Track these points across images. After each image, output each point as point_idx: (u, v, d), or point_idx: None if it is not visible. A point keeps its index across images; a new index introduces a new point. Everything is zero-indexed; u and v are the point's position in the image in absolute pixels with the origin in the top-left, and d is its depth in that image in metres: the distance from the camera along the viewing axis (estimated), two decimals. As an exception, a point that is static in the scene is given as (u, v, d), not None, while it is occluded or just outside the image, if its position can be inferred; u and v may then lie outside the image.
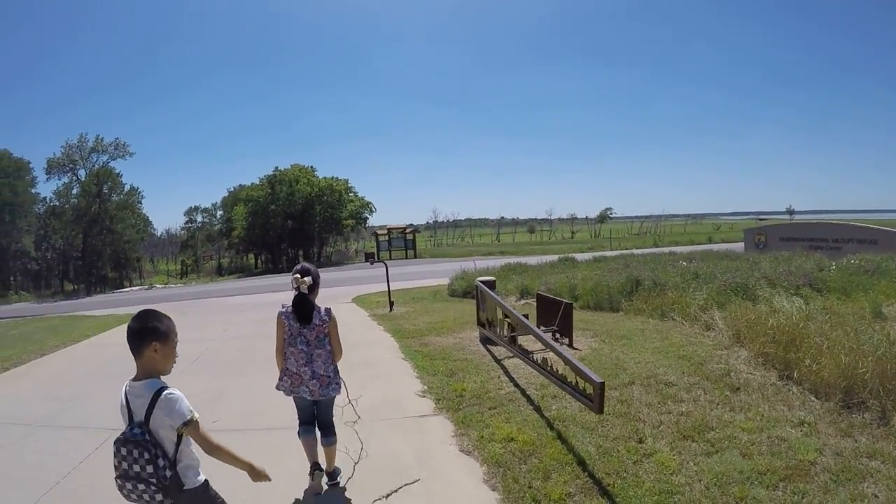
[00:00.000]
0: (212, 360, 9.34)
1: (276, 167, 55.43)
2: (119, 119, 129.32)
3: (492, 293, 8.62)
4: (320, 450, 4.28)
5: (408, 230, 52.12)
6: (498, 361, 7.70)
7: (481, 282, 9.21)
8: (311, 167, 56.42)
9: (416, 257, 48.65)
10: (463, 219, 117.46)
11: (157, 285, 48.51)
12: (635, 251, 28.54)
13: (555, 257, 23.39)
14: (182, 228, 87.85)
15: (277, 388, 4.18)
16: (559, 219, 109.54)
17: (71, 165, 51.06)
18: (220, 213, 79.59)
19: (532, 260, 24.47)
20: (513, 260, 26.62)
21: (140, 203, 58.20)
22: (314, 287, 4.07)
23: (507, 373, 7.12)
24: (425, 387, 6.85)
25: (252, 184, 59.16)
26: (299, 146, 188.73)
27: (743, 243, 28.95)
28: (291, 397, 4.21)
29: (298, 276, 3.99)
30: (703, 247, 34.29)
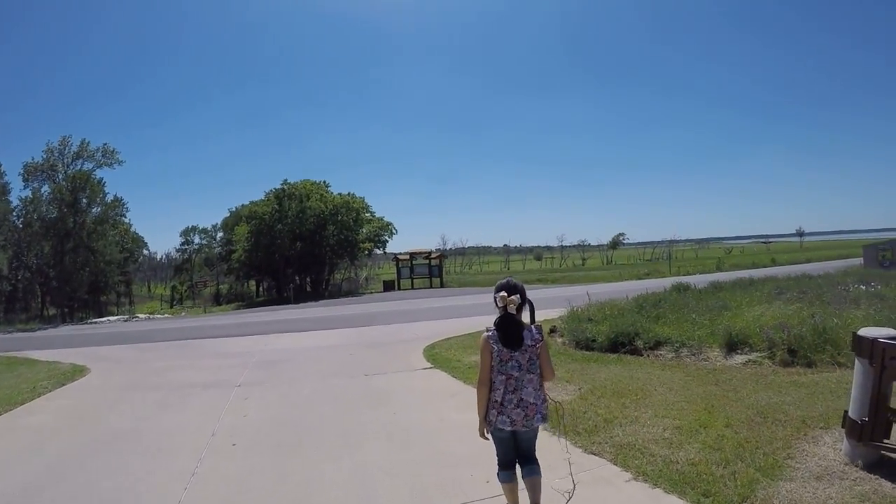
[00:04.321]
0: None
1: (285, 180, 47.95)
2: (117, 138, 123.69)
3: None
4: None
5: (433, 255, 45.44)
6: None
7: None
8: (325, 182, 49.21)
9: (441, 286, 41.89)
10: (467, 246, 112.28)
11: (140, 315, 41.58)
12: (700, 276, 26.99)
13: (635, 284, 19.32)
14: (177, 250, 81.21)
15: (484, 432, 3.72)
16: (563, 246, 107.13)
17: (51, 171, 44.03)
18: (220, 234, 72.98)
19: (598, 289, 20.34)
20: (592, 288, 20.55)
21: (124, 216, 51.35)
22: (521, 305, 3.66)
23: None
24: None
25: (253, 201, 52.26)
26: (302, 172, 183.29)
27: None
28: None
29: (504, 293, 3.60)
30: (780, 269, 29.73)
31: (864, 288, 12.39)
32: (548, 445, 5.23)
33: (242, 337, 16.11)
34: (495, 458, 3.80)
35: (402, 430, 6.11)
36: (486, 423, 3.66)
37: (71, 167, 45.20)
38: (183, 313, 44.05)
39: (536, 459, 3.81)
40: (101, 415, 7.47)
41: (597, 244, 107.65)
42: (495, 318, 3.68)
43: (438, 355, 10.75)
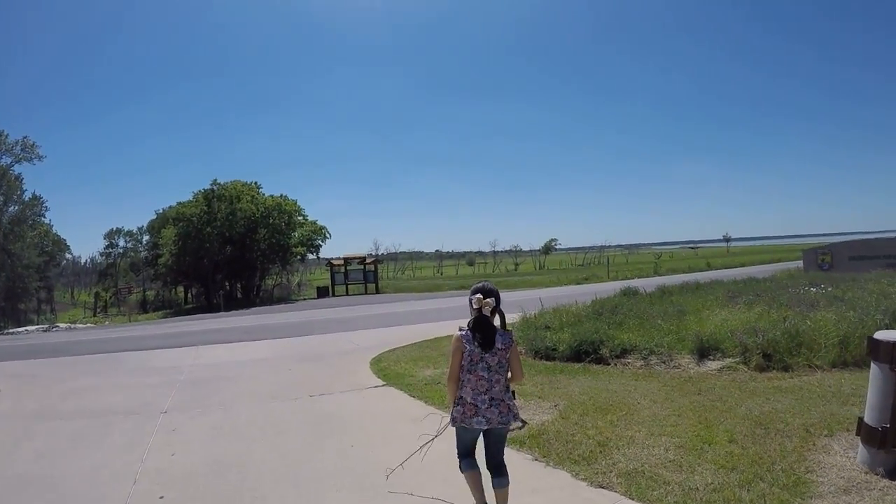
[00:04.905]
0: None
1: (215, 180, 45.33)
2: (38, 137, 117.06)
3: None
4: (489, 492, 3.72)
5: (368, 260, 44.31)
6: None
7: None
8: (256, 183, 47.05)
9: (377, 292, 40.87)
10: (400, 251, 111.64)
11: (61, 325, 38.91)
12: (638, 280, 27.49)
13: (577, 288, 19.74)
14: (101, 254, 77.23)
15: (452, 418, 3.71)
16: (496, 251, 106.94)
17: (-35, 166, 40.92)
18: (146, 238, 69.51)
19: (541, 294, 19.99)
20: (533, 294, 20.08)
21: (43, 216, 48.19)
22: (496, 309, 3.70)
23: None
24: None
25: (181, 202, 48.78)
26: (232, 175, 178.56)
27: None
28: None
29: (480, 296, 3.67)
30: (719, 272, 31.18)
31: (814, 290, 12.37)
32: (544, 481, 4.54)
33: (169, 349, 14.75)
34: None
35: (366, 471, 4.95)
36: (453, 418, 3.68)
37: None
38: (106, 322, 41.58)
39: (506, 467, 3.76)
40: (6, 453, 6.19)
41: (529, 249, 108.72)
42: (468, 319, 3.71)
43: (388, 370, 9.86)
